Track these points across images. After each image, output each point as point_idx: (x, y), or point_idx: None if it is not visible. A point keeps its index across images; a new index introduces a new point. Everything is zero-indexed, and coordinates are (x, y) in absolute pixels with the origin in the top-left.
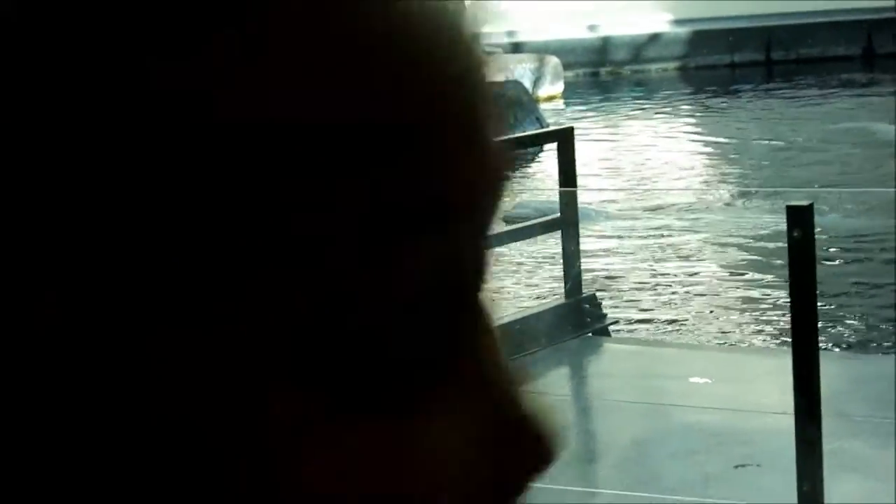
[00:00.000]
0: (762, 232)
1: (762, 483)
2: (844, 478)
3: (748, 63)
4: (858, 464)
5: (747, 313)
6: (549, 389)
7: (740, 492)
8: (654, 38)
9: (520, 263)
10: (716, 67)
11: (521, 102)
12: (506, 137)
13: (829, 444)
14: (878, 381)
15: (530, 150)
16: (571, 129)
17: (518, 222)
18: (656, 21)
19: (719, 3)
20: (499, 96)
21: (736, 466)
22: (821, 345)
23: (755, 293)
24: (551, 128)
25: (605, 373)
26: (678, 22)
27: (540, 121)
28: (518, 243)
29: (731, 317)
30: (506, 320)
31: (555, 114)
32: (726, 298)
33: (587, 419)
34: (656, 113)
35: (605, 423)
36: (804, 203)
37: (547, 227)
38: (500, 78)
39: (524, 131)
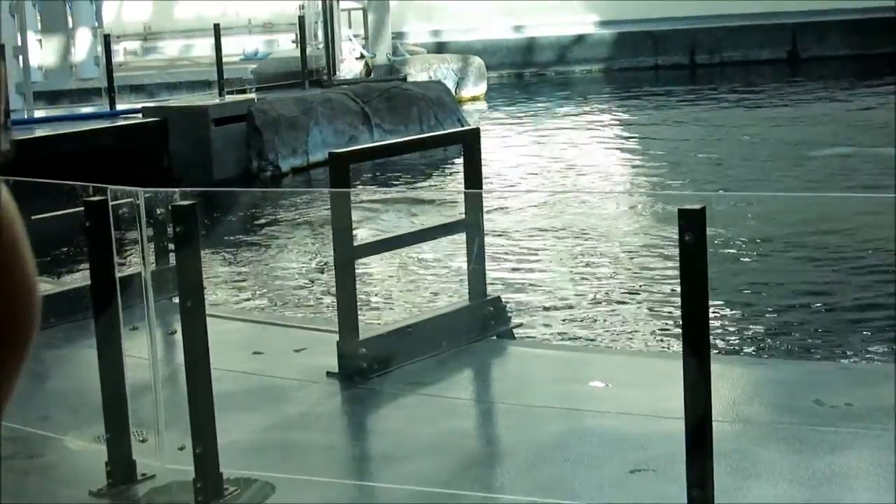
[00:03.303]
0: None
1: (656, 488)
2: (743, 484)
3: (672, 66)
4: (760, 469)
5: None
6: (452, 393)
7: (635, 496)
8: (579, 39)
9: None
10: (640, 69)
11: (443, 103)
12: (412, 138)
13: (729, 449)
14: (779, 387)
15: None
16: (478, 130)
17: None
18: (581, 23)
19: (644, 5)
20: (421, 96)
21: (632, 471)
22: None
23: None
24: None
25: (507, 376)
26: (603, 24)
27: (461, 122)
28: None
29: None
30: (410, 322)
31: (476, 114)
32: None
33: (489, 423)
34: (580, 115)
35: (506, 427)
36: (696, 206)
37: (450, 230)
38: (422, 78)
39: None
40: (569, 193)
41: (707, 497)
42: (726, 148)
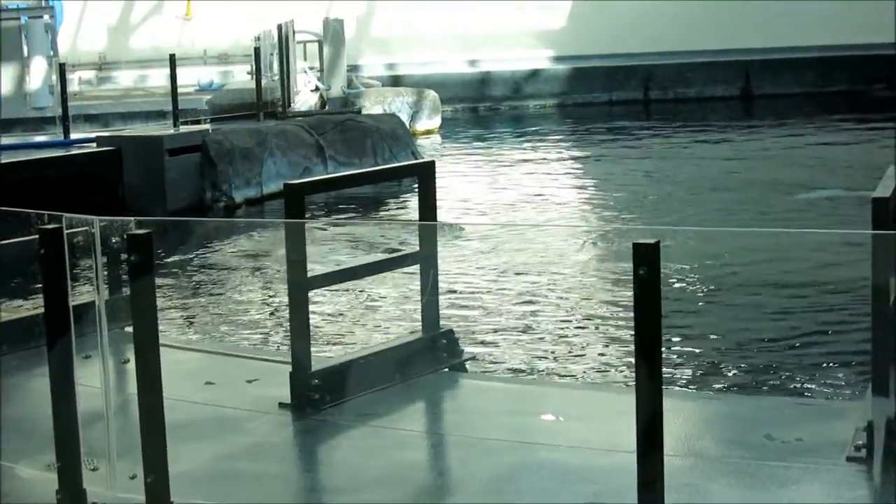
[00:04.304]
0: None
1: None
2: None
3: (626, 101)
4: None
5: None
6: (404, 425)
7: None
8: (534, 74)
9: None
10: (594, 105)
11: (397, 136)
12: (367, 170)
13: (680, 483)
14: (730, 421)
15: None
16: (432, 163)
17: None
18: (536, 58)
19: (598, 40)
20: (375, 129)
21: None
22: None
23: None
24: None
25: (459, 409)
26: (557, 59)
27: (415, 155)
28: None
29: None
30: (363, 354)
31: (430, 148)
32: None
33: (441, 455)
34: (533, 150)
35: (458, 459)
36: (651, 241)
37: (405, 262)
38: (377, 111)
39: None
40: (518, 227)
41: None
42: (678, 183)
